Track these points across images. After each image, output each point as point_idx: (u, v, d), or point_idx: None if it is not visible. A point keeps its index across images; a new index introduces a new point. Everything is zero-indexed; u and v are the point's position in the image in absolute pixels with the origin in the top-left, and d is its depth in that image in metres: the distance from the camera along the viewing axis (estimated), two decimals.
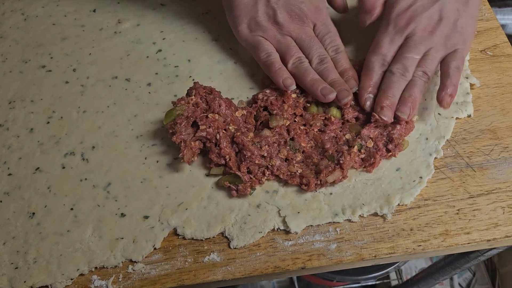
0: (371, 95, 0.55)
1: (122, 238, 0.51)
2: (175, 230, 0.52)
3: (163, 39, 0.65)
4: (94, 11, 0.68)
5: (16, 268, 0.50)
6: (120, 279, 0.50)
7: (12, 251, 0.51)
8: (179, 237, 0.52)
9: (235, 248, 0.51)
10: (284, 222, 0.52)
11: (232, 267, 0.50)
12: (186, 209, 0.53)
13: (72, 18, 0.68)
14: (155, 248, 0.51)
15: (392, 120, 0.54)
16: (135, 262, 0.51)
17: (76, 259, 0.50)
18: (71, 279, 0.50)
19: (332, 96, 0.55)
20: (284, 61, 0.58)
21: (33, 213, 0.53)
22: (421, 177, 0.54)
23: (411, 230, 0.52)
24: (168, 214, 0.53)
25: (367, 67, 0.57)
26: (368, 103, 0.55)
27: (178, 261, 0.51)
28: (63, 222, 0.52)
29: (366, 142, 0.54)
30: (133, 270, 0.50)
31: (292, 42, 0.59)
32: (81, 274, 0.50)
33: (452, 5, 0.56)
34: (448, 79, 0.54)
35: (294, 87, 0.57)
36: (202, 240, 0.52)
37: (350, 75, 0.57)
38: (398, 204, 0.53)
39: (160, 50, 0.64)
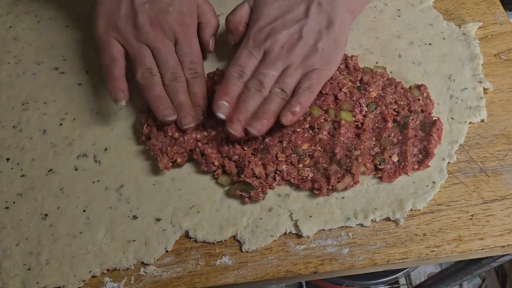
0: (226, 103, 0.53)
1: (134, 241, 0.51)
2: (187, 232, 0.52)
3: None
4: None
5: (29, 269, 0.50)
6: (132, 282, 0.50)
7: (25, 252, 0.51)
8: (191, 239, 0.52)
9: (247, 252, 0.51)
10: (296, 226, 0.52)
11: (244, 271, 0.50)
12: (198, 212, 0.53)
13: (85, 20, 0.68)
14: (167, 251, 0.51)
15: (242, 135, 0.52)
16: (147, 264, 0.51)
17: (88, 260, 0.51)
18: (83, 281, 0.50)
19: (170, 119, 0.53)
20: (133, 69, 0.55)
21: (46, 215, 0.53)
22: (434, 182, 0.54)
23: (424, 235, 0.52)
24: (180, 217, 0.53)
25: (225, 77, 0.55)
26: (221, 111, 0.52)
27: (190, 264, 0.51)
28: (76, 224, 0.53)
29: (390, 156, 0.54)
30: (145, 272, 0.50)
31: (147, 51, 0.55)
32: (93, 276, 0.50)
33: (313, 26, 0.56)
34: (294, 97, 0.53)
35: (123, 103, 0.54)
36: (214, 243, 0.52)
37: (201, 104, 0.55)
38: (411, 209, 0.53)
39: None
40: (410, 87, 0.59)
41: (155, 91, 0.54)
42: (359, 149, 0.54)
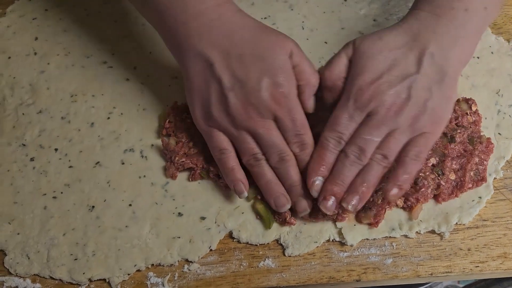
0: (321, 178, 0.49)
1: (179, 237, 0.52)
2: (230, 233, 0.53)
3: None
4: None
5: (76, 259, 0.51)
6: (175, 278, 0.51)
7: (71, 243, 0.52)
8: (234, 240, 0.53)
9: (290, 256, 0.51)
10: (340, 233, 0.52)
11: (287, 274, 0.51)
12: (242, 213, 0.53)
13: (134, 16, 0.69)
14: (211, 250, 0.52)
15: (335, 213, 0.50)
16: (191, 262, 0.51)
17: (133, 254, 0.51)
18: (128, 274, 0.51)
19: (284, 209, 0.51)
20: (240, 155, 0.52)
21: (93, 206, 0.54)
22: (480, 197, 0.54)
23: (469, 250, 0.51)
24: (224, 217, 0.53)
25: (321, 144, 0.50)
26: (315, 189, 0.49)
27: (233, 264, 0.51)
28: (122, 217, 0.53)
29: (448, 174, 0.53)
30: (189, 270, 0.51)
31: (248, 137, 0.51)
32: (138, 270, 0.51)
33: (424, 83, 0.49)
34: (401, 168, 0.48)
35: (245, 195, 0.51)
36: (257, 245, 0.52)
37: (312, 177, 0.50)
38: (456, 223, 0.52)
39: None
40: (458, 100, 0.59)
41: (264, 177, 0.51)
42: (424, 172, 0.53)
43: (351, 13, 0.68)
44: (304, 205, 0.50)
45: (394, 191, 0.48)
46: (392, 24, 0.65)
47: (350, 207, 0.48)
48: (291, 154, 0.51)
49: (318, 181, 0.49)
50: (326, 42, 0.65)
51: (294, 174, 0.51)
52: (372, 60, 0.50)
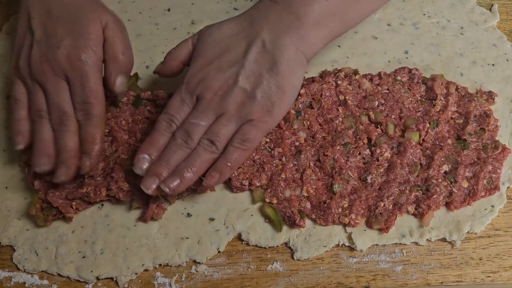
0: (147, 157, 0.49)
1: (187, 238, 0.52)
2: (239, 235, 0.52)
3: None
4: (169, 10, 0.69)
5: (84, 257, 0.51)
6: (183, 279, 0.50)
7: (80, 240, 0.52)
8: (243, 242, 0.52)
9: (299, 260, 0.51)
10: (349, 238, 0.51)
11: (295, 279, 0.50)
12: (252, 215, 0.53)
13: (147, 15, 0.69)
14: (219, 251, 0.51)
15: (156, 193, 0.48)
16: (198, 263, 0.51)
17: (141, 254, 0.51)
18: (136, 274, 0.50)
19: (39, 169, 0.50)
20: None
21: (102, 204, 0.54)
22: (492, 206, 0.53)
23: (480, 259, 0.51)
24: (233, 218, 0.53)
25: (154, 126, 0.50)
26: (138, 165, 0.48)
27: (241, 267, 0.51)
28: (130, 216, 0.53)
29: (461, 181, 0.52)
30: (196, 271, 0.51)
31: (39, 91, 0.52)
32: (146, 270, 0.51)
33: (253, 69, 0.49)
34: (222, 155, 0.48)
35: (20, 147, 0.51)
36: (265, 248, 0.52)
37: (91, 150, 0.50)
38: (468, 232, 0.52)
39: None
40: (477, 92, 0.59)
41: (38, 134, 0.51)
42: (436, 179, 0.53)
43: None
44: (61, 173, 0.49)
45: (210, 178, 0.48)
46: (406, 29, 0.66)
47: (167, 189, 0.47)
48: (73, 120, 0.51)
49: (144, 160, 0.49)
50: (339, 46, 0.65)
51: (68, 139, 0.50)
52: (207, 47, 0.51)
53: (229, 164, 0.48)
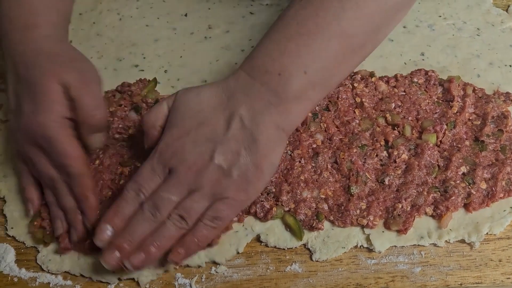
0: (109, 227, 0.47)
1: None
2: (258, 236, 0.53)
3: (252, 47, 0.66)
4: (186, 15, 0.70)
5: None
6: (203, 280, 0.51)
7: None
8: (262, 243, 0.53)
9: (317, 261, 0.51)
10: (368, 239, 0.52)
11: (314, 280, 0.51)
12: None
13: (165, 20, 0.70)
14: (238, 253, 0.52)
15: (114, 268, 0.46)
16: (218, 264, 0.52)
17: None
18: (157, 274, 0.51)
19: (57, 232, 0.52)
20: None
21: None
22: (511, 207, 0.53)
23: (500, 261, 0.51)
24: (252, 220, 0.53)
25: (121, 193, 0.49)
26: (99, 237, 0.47)
27: (260, 268, 0.51)
28: None
29: (479, 183, 0.52)
30: (216, 272, 0.51)
31: (29, 161, 0.52)
32: (166, 271, 0.51)
33: (230, 147, 0.47)
34: (191, 231, 0.47)
35: (31, 213, 0.53)
36: (284, 249, 0.52)
37: (84, 209, 0.50)
38: (487, 233, 0.52)
39: None
40: (494, 93, 0.59)
41: (46, 199, 0.53)
42: (455, 180, 0.53)
43: None
44: (73, 234, 0.51)
45: (176, 254, 0.47)
46: (422, 31, 0.66)
47: (129, 266, 0.46)
48: (60, 182, 0.51)
49: (106, 230, 0.47)
50: None
51: (65, 201, 0.51)
52: (183, 116, 0.49)
53: (196, 240, 0.47)
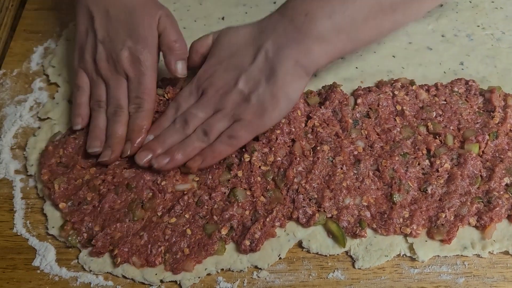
0: (151, 137, 0.56)
1: None
2: (300, 242, 0.53)
3: None
4: (223, 18, 0.71)
5: None
6: (245, 284, 0.51)
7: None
8: (304, 250, 0.53)
9: (360, 269, 0.51)
10: (411, 248, 0.52)
11: (356, 287, 0.50)
12: None
13: (202, 23, 0.70)
14: (280, 258, 0.52)
15: (145, 165, 0.54)
16: (260, 269, 0.51)
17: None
18: (199, 277, 0.51)
19: (91, 151, 0.56)
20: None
21: None
22: None
23: None
24: (294, 226, 0.53)
25: (164, 110, 0.58)
26: (141, 157, 0.54)
27: (302, 274, 0.51)
28: None
29: None
30: (258, 277, 0.51)
31: (101, 85, 0.59)
32: (209, 274, 0.51)
33: (254, 75, 0.53)
34: (210, 146, 0.54)
35: (78, 127, 0.58)
36: (326, 256, 0.52)
37: (134, 138, 0.56)
38: None
39: None
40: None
41: (94, 121, 0.58)
42: (498, 191, 0.53)
43: (419, 28, 0.68)
44: (106, 154, 0.55)
45: (194, 160, 0.53)
46: (460, 40, 0.66)
47: (156, 165, 0.53)
48: (125, 112, 0.57)
49: (145, 137, 0.56)
50: (394, 56, 0.65)
51: (118, 128, 0.56)
52: (221, 47, 0.57)
53: (212, 153, 0.53)
